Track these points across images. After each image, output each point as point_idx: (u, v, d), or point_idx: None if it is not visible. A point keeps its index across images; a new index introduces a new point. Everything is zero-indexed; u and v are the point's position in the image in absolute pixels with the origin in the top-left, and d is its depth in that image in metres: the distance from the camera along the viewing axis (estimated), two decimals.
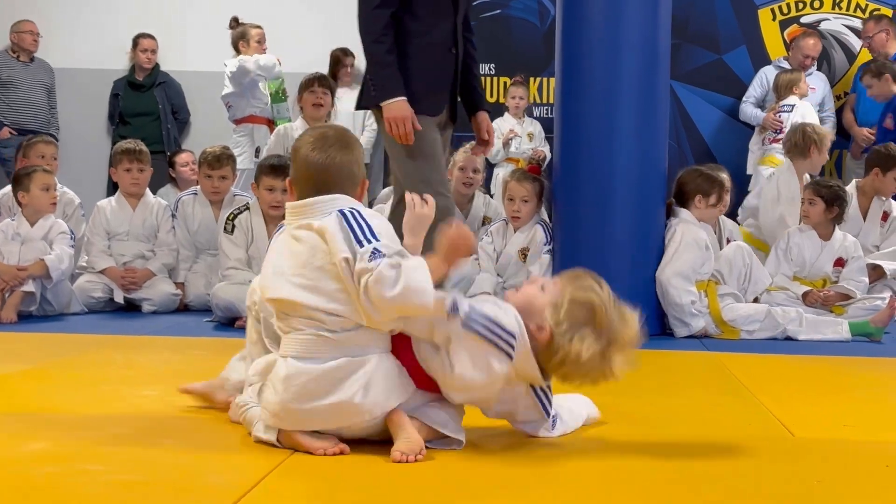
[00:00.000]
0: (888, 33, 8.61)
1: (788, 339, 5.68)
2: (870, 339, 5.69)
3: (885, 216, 6.93)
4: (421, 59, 4.42)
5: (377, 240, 2.69)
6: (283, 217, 2.95)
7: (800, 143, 6.83)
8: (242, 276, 5.88)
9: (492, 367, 2.76)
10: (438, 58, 4.45)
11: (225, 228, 6.04)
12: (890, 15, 8.95)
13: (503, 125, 8.68)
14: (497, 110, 8.74)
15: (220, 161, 6.85)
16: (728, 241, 6.18)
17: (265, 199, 6.00)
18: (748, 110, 8.88)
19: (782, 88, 8.49)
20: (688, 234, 5.69)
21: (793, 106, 8.34)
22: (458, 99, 4.74)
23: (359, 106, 4.68)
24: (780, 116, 8.36)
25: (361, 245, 2.68)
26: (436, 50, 4.45)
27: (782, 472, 2.77)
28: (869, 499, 2.55)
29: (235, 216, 6.04)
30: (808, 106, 8.37)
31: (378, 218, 2.81)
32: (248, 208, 6.10)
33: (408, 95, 4.40)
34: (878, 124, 8.29)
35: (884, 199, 6.95)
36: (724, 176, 6.07)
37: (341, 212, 2.76)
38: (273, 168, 6.00)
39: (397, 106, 4.30)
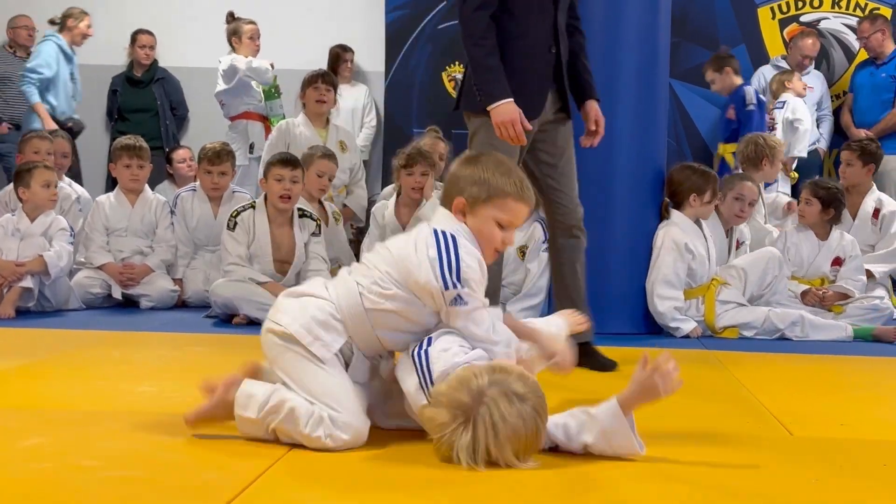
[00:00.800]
0: (884, 33, 8.61)
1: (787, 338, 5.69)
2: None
3: (877, 213, 6.89)
4: (517, 62, 4.27)
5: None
6: (290, 210, 2.98)
7: (752, 155, 6.85)
8: (242, 272, 5.88)
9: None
10: (536, 59, 4.31)
11: (227, 225, 6.03)
12: (889, 15, 8.95)
13: None
14: None
15: (219, 157, 6.85)
16: (738, 245, 6.19)
17: (274, 189, 5.97)
18: None
19: (776, 89, 8.51)
20: (667, 238, 5.67)
21: (784, 103, 8.35)
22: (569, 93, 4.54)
23: (457, 107, 4.56)
24: (773, 115, 8.37)
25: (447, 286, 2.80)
26: (534, 51, 4.30)
27: (780, 470, 2.78)
28: (866, 498, 2.55)
29: (238, 213, 6.03)
30: (799, 101, 8.36)
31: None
32: (252, 206, 6.07)
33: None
34: (721, 117, 8.33)
35: (876, 196, 6.92)
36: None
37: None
38: (282, 161, 6.00)
39: (505, 109, 4.16)
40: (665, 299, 5.62)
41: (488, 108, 4.20)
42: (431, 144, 6.99)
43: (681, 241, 5.66)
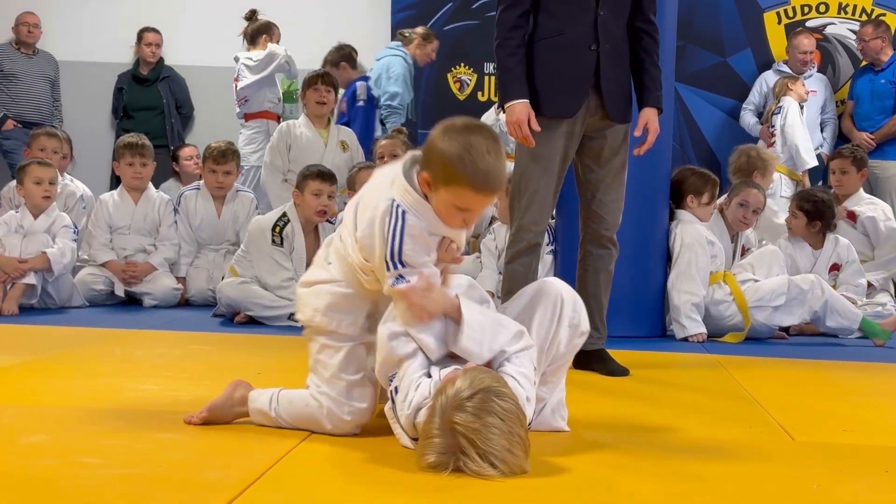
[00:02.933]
0: (884, 40, 8.60)
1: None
2: (874, 340, 5.70)
3: (851, 216, 6.88)
4: (552, 59, 4.23)
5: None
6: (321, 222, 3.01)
7: (744, 167, 6.84)
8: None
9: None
10: (573, 58, 4.23)
11: (273, 241, 5.97)
12: (894, 24, 8.94)
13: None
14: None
15: (224, 156, 6.86)
16: (744, 251, 6.20)
17: (311, 204, 5.95)
18: (747, 119, 8.91)
19: (779, 91, 8.52)
20: (686, 235, 5.69)
21: (781, 108, 8.36)
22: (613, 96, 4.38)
23: (500, 106, 4.58)
24: (773, 119, 8.37)
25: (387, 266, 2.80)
26: (571, 49, 4.22)
27: (781, 475, 2.77)
28: (867, 503, 2.55)
29: (282, 229, 5.99)
30: (794, 106, 8.35)
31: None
32: (287, 219, 6.05)
33: (533, 97, 4.23)
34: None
35: (857, 199, 6.97)
36: None
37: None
38: (321, 174, 5.97)
39: (516, 108, 4.15)
40: (683, 293, 5.64)
41: (504, 107, 4.20)
42: (390, 145, 7.03)
43: (701, 235, 5.72)
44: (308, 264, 5.88)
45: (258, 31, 8.25)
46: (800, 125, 8.27)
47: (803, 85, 8.52)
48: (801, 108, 8.42)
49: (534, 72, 4.26)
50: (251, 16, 8.33)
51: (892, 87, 8.53)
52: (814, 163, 8.30)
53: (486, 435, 2.53)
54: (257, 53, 8.18)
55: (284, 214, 6.02)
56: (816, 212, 6.33)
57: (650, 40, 4.41)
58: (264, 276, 5.92)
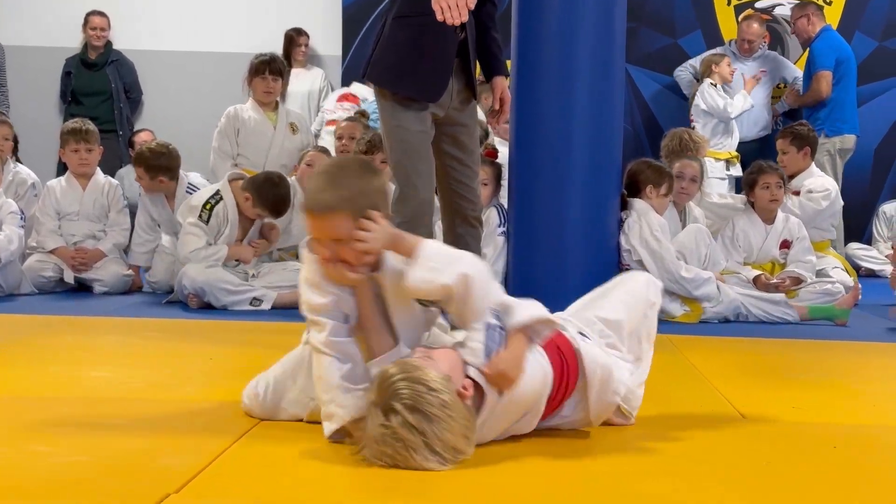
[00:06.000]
0: (808, 18, 8.67)
1: (735, 320, 5.75)
2: (835, 322, 5.74)
3: (797, 194, 6.95)
4: (416, 41, 4.15)
5: None
6: None
7: (676, 149, 6.91)
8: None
9: None
10: (438, 37, 4.10)
11: (200, 216, 5.95)
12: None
13: None
14: None
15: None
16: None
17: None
18: (683, 76, 9.01)
19: (703, 71, 8.63)
20: (652, 225, 5.73)
21: (698, 93, 8.51)
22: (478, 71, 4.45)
23: (363, 76, 4.49)
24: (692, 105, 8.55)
25: None
26: (435, 27, 3.98)
27: (732, 453, 2.81)
28: (816, 480, 2.58)
29: (213, 206, 5.97)
30: (708, 89, 8.46)
31: None
32: (221, 199, 6.02)
33: (398, 82, 4.17)
34: None
35: (810, 179, 7.06)
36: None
37: None
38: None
39: None
40: (684, 269, 5.73)
41: None
42: (349, 127, 7.01)
43: (664, 224, 5.82)
44: (240, 236, 5.94)
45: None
46: (716, 95, 8.39)
47: (728, 65, 8.60)
48: (723, 88, 8.52)
49: (400, 55, 4.21)
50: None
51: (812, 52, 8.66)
52: (735, 113, 8.47)
53: (427, 427, 2.47)
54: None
55: (218, 192, 6.02)
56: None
57: (491, 5, 4.38)
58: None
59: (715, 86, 8.44)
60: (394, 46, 4.25)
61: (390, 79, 4.24)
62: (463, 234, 4.49)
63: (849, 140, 8.46)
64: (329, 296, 2.73)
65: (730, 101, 8.41)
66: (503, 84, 4.39)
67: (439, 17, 3.87)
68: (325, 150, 6.73)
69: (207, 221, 5.93)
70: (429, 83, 4.17)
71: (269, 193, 5.95)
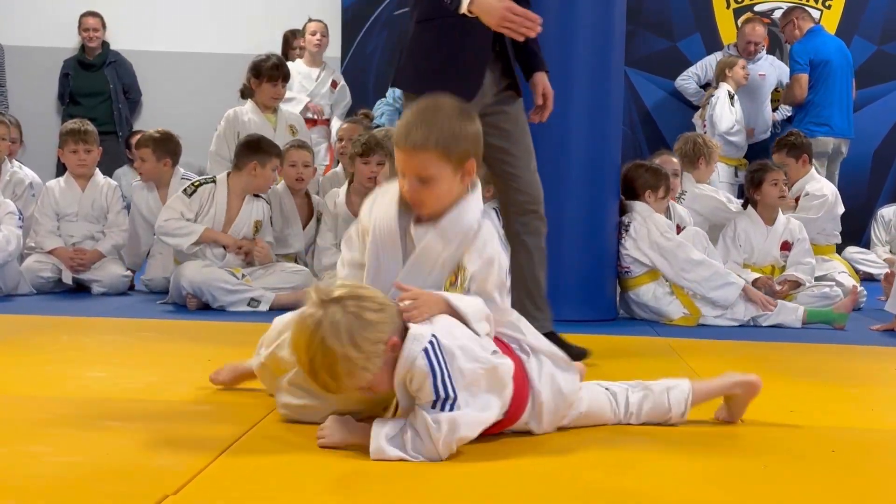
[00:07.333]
0: (794, 23, 8.70)
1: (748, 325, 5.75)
2: (833, 325, 5.72)
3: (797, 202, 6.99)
4: (450, 36, 4.03)
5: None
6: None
7: (689, 154, 6.92)
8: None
9: None
10: (472, 32, 3.97)
11: (185, 190, 6.00)
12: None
13: None
14: None
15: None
16: (679, 230, 6.22)
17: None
18: (687, 86, 9.01)
19: (717, 75, 8.63)
20: (654, 232, 5.74)
21: (714, 98, 8.50)
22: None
23: (394, 83, 4.43)
24: (706, 110, 8.55)
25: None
26: (470, 23, 3.90)
27: (729, 456, 2.80)
28: (814, 483, 2.58)
29: (201, 184, 6.01)
30: (725, 98, 8.46)
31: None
32: (213, 182, 6.05)
33: (425, 85, 3.82)
34: None
35: (808, 184, 7.09)
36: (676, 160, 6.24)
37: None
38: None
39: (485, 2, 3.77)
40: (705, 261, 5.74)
41: (468, 11, 3.84)
42: (350, 129, 7.02)
43: (668, 221, 5.85)
44: (224, 228, 5.93)
45: None
46: (727, 114, 8.39)
47: (743, 68, 8.60)
48: (733, 96, 8.53)
49: (430, 52, 4.12)
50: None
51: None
52: (735, 139, 8.53)
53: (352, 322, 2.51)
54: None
55: (213, 178, 6.09)
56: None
57: (527, 3, 4.16)
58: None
59: (732, 97, 8.46)
60: (420, 51, 4.17)
61: (418, 83, 4.07)
62: (519, 233, 4.26)
63: (823, 143, 8.43)
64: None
65: (735, 124, 8.41)
66: (544, 79, 4.28)
67: (518, 39, 3.87)
68: (304, 145, 6.72)
69: (191, 196, 5.96)
70: (460, 82, 3.99)
71: (250, 139, 6.18)
